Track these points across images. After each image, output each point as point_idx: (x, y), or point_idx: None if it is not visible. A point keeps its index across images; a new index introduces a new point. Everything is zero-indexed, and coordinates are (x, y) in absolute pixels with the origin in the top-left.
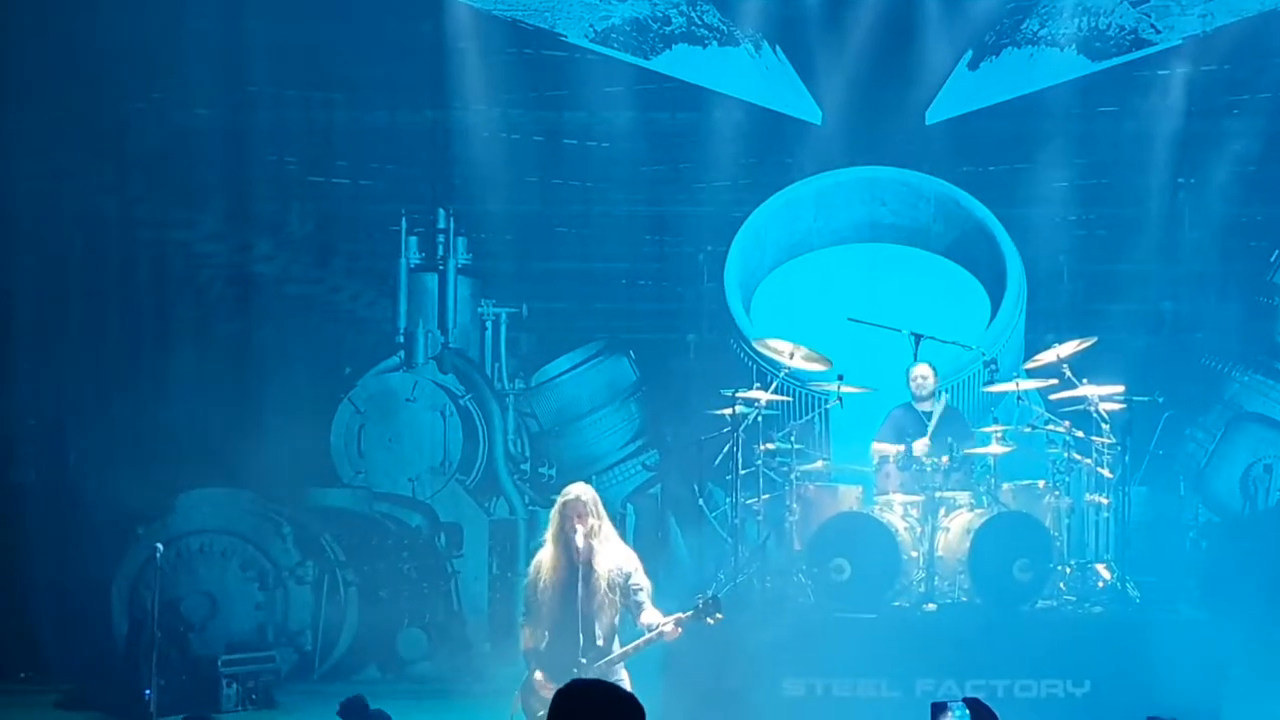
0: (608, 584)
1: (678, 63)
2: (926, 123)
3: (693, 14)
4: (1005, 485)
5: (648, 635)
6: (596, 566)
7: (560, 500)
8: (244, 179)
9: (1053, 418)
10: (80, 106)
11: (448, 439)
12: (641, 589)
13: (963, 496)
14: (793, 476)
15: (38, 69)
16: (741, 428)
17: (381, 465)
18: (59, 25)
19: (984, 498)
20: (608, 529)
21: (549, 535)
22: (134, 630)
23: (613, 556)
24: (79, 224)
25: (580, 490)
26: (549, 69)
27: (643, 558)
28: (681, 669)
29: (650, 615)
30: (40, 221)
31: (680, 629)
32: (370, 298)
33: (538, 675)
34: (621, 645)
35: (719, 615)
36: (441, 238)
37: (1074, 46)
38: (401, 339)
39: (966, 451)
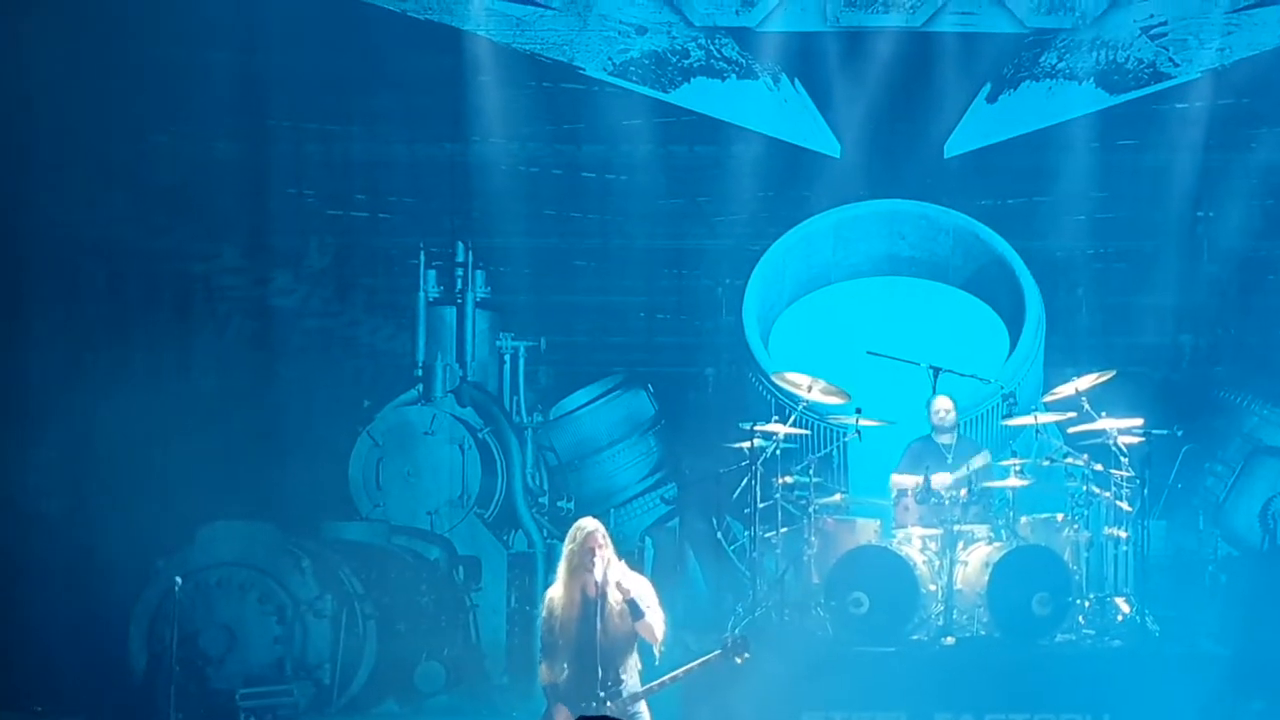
0: (621, 614)
1: (696, 96)
2: (945, 156)
3: (711, 47)
4: (1024, 518)
5: (670, 675)
6: (611, 598)
7: (577, 534)
8: (263, 212)
9: (1071, 451)
10: (100, 139)
11: (466, 472)
12: (636, 597)
13: (981, 530)
14: (811, 510)
15: (59, 101)
16: (760, 461)
17: (400, 498)
18: (80, 58)
19: (1002, 531)
20: (615, 560)
21: (563, 570)
22: (152, 663)
23: (622, 588)
24: (99, 256)
25: (595, 524)
26: (568, 102)
27: (661, 591)
28: (700, 702)
29: (651, 620)
30: (61, 253)
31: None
32: (389, 331)
33: (559, 709)
34: (642, 680)
35: (746, 655)
36: (460, 271)
37: (1092, 80)
38: (420, 372)
39: (985, 485)
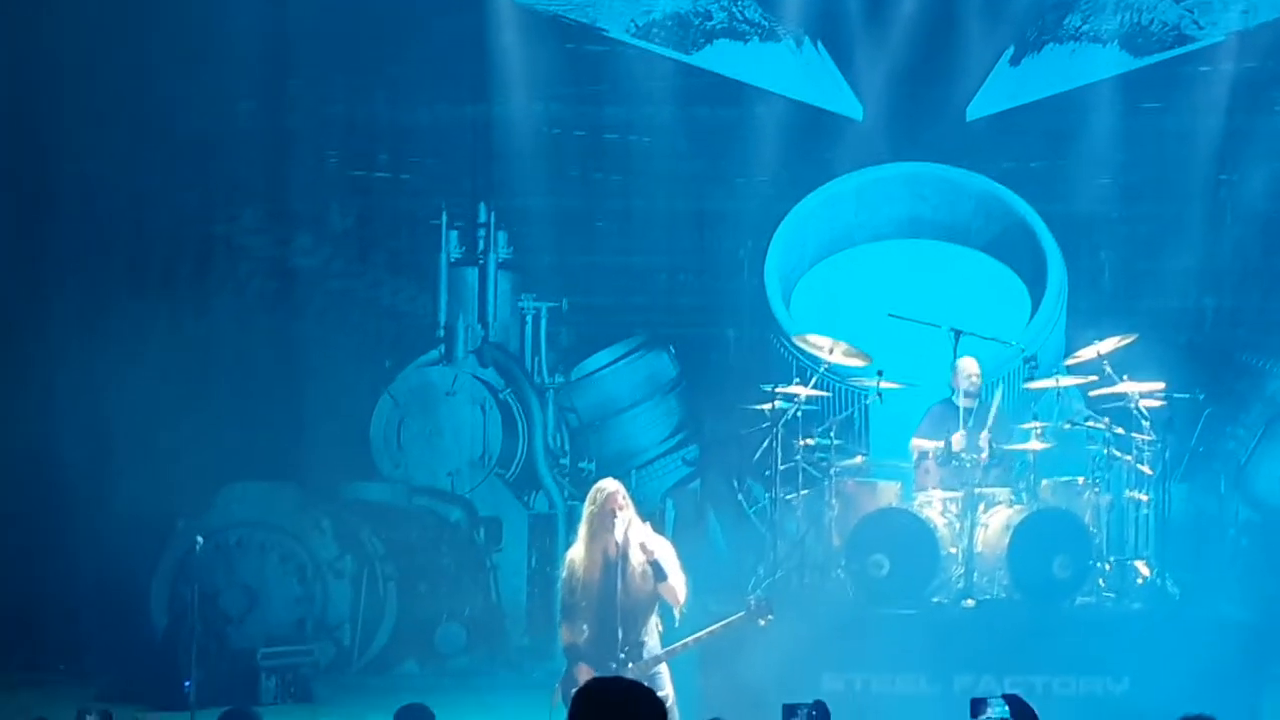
0: (642, 574)
1: (719, 58)
2: (968, 118)
3: (734, 9)
4: (1045, 481)
5: (694, 636)
6: (632, 559)
7: (597, 495)
8: (286, 173)
9: (1093, 414)
10: (123, 100)
11: (487, 433)
12: (660, 559)
13: (1002, 493)
14: (832, 472)
15: (82, 64)
16: (781, 423)
17: (421, 459)
18: (106, 18)
19: (1023, 494)
20: (636, 521)
21: (583, 532)
22: (173, 623)
23: (645, 549)
24: (121, 217)
25: (616, 485)
26: (590, 64)
27: (681, 552)
28: (720, 664)
29: (673, 582)
30: (83, 214)
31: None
32: (411, 292)
33: (580, 667)
34: (662, 642)
35: (770, 616)
36: (482, 232)
37: (1116, 42)
38: (442, 333)
39: (1006, 448)
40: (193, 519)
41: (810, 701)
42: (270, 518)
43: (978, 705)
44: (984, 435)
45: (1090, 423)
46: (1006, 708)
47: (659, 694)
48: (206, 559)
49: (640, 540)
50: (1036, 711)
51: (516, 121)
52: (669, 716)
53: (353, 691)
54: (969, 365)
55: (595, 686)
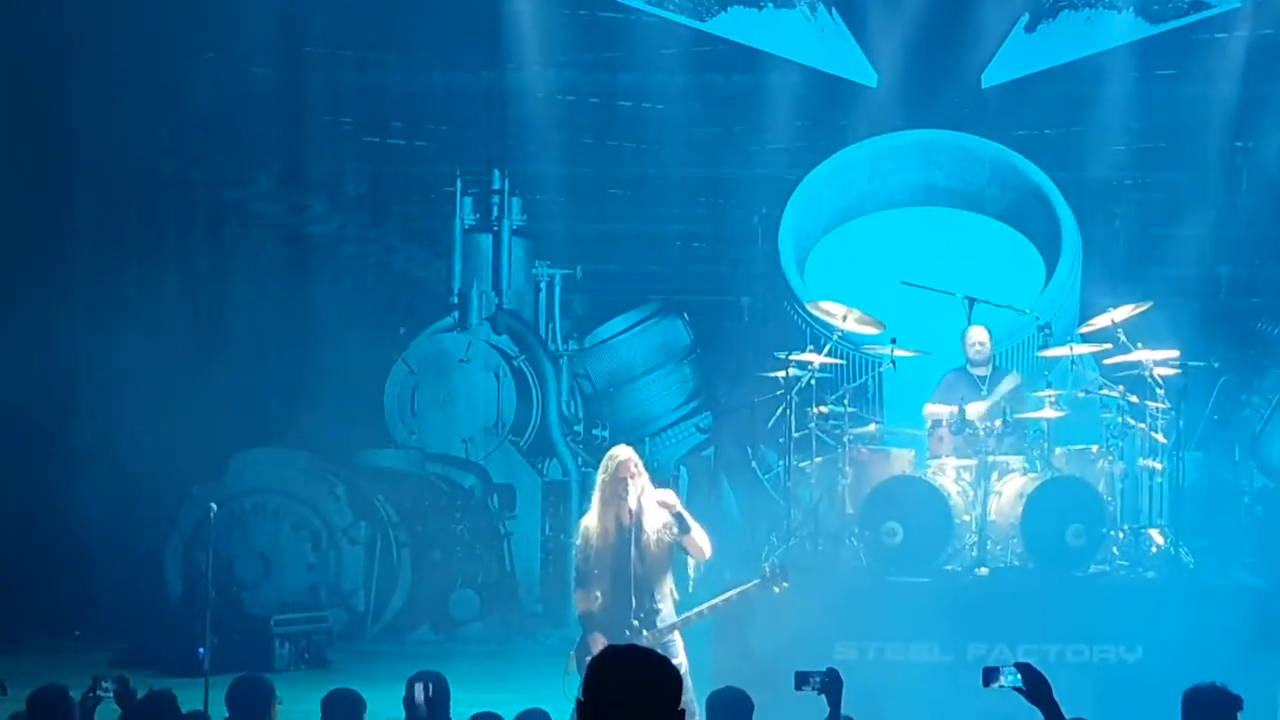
0: (656, 542)
1: (733, 25)
2: (982, 86)
3: None
4: (1058, 450)
5: (709, 604)
6: (646, 526)
7: (610, 463)
8: (299, 139)
9: (1107, 382)
10: (138, 65)
11: (501, 400)
12: (677, 523)
13: (1016, 461)
14: (845, 439)
15: (96, 30)
16: (795, 390)
17: (435, 426)
18: None
19: (1037, 462)
20: (650, 487)
21: (597, 499)
22: (188, 589)
23: (659, 514)
24: (135, 182)
25: (629, 452)
26: (605, 31)
27: (695, 521)
28: (733, 632)
29: (696, 535)
30: (96, 179)
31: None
32: (425, 258)
33: (595, 637)
34: (677, 609)
35: (785, 584)
36: (496, 199)
37: (1131, 9)
38: (455, 300)
39: (1020, 416)
40: (207, 486)
41: (822, 670)
42: (284, 485)
43: (990, 673)
44: (976, 406)
45: (1105, 391)
46: (1019, 676)
47: (674, 661)
48: (221, 526)
49: (660, 498)
50: (1049, 679)
51: (530, 88)
52: (683, 684)
53: (367, 658)
54: (975, 333)
55: (610, 654)
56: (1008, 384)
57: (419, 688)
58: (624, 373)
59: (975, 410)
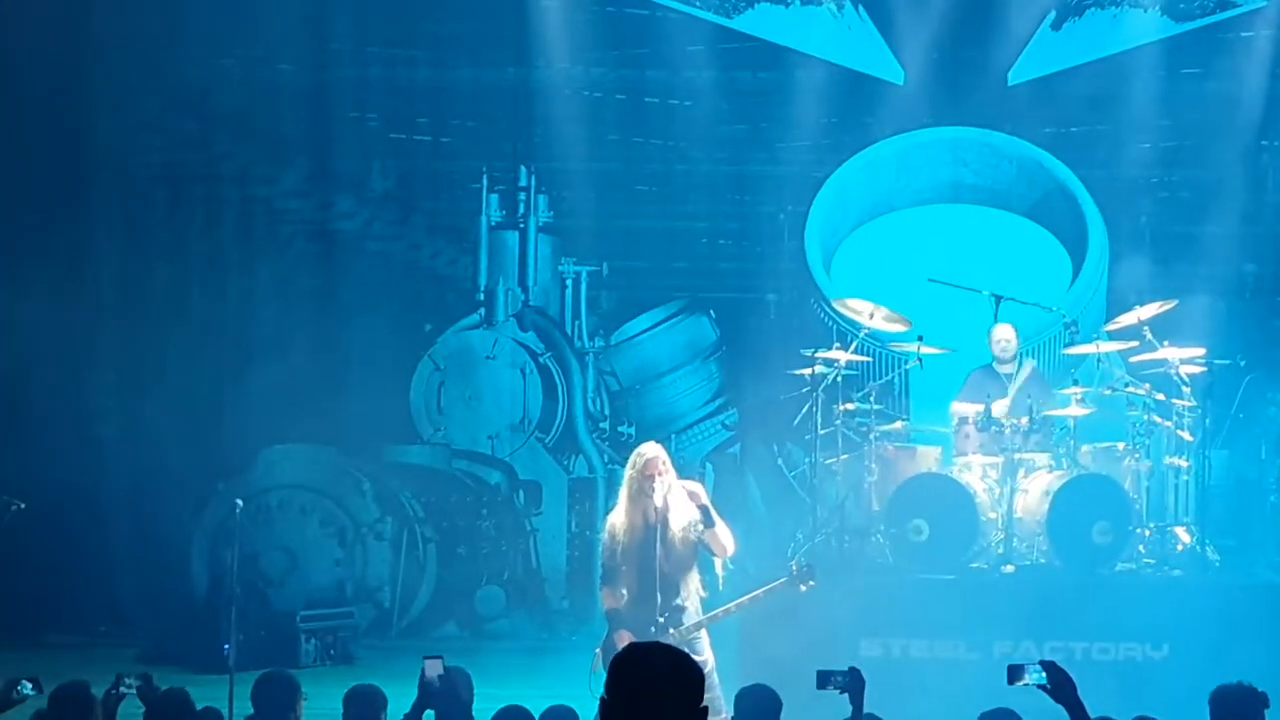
0: (682, 539)
1: (760, 22)
2: (1009, 83)
3: None
4: (1084, 447)
5: (736, 602)
6: (672, 524)
7: (637, 460)
8: (326, 136)
9: (1133, 380)
10: (164, 63)
11: (527, 397)
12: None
13: (1042, 458)
14: (872, 437)
15: (123, 27)
16: (821, 388)
17: (461, 422)
18: None
19: (1063, 460)
20: (677, 485)
21: (624, 496)
22: (214, 585)
23: (686, 512)
24: (162, 179)
25: (656, 449)
26: (631, 27)
27: (725, 519)
28: (759, 629)
29: (721, 531)
30: (124, 177)
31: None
32: (451, 255)
33: (621, 634)
34: (703, 607)
35: (812, 582)
36: (523, 195)
37: (1158, 7)
38: (482, 296)
39: (1046, 413)
40: (233, 481)
41: (844, 669)
42: (311, 480)
43: (1015, 671)
44: (1002, 404)
45: (1130, 388)
46: (1044, 674)
47: (698, 659)
48: (247, 521)
49: (688, 490)
50: (1074, 677)
51: (557, 85)
52: (708, 682)
53: (392, 654)
54: (1000, 331)
55: (635, 651)
56: (1024, 373)
57: (430, 664)
58: (650, 370)
59: (1001, 408)
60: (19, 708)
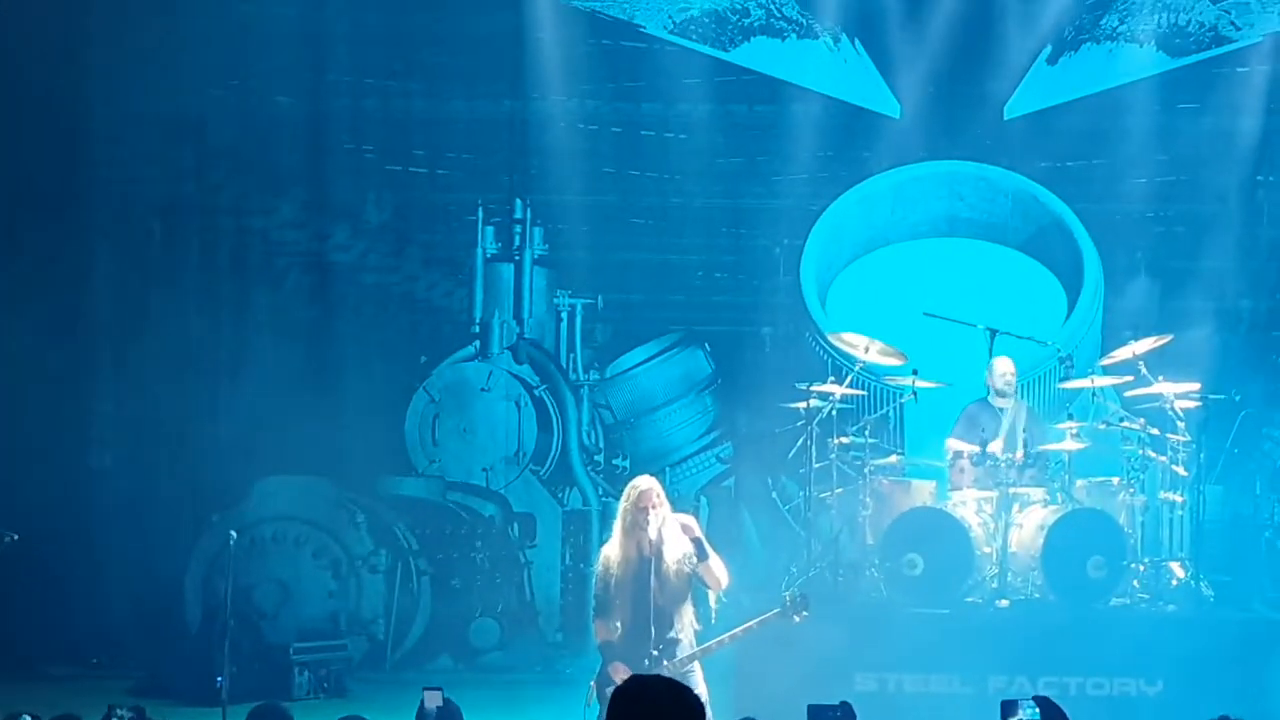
0: (676, 572)
1: (756, 55)
2: (1005, 117)
3: (772, 6)
4: (1079, 482)
5: (730, 634)
6: (666, 556)
7: (631, 493)
8: (322, 167)
9: (1128, 415)
10: (160, 93)
11: (522, 429)
12: (696, 550)
13: (1037, 493)
14: (866, 471)
15: (118, 58)
16: (816, 421)
17: (456, 455)
18: (142, 12)
19: (1058, 494)
20: (671, 517)
21: (618, 529)
22: (207, 617)
23: (679, 544)
24: (158, 210)
25: (651, 482)
26: (627, 60)
27: (716, 551)
28: (753, 662)
29: (714, 564)
30: (120, 207)
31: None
32: (446, 287)
33: (615, 667)
34: (697, 640)
35: (805, 613)
36: (518, 228)
37: (1153, 42)
38: (477, 329)
39: (1041, 448)
40: (227, 513)
41: (837, 704)
42: (305, 512)
43: (1008, 707)
44: (997, 444)
45: (1125, 423)
46: (1037, 710)
47: None
48: (241, 553)
49: (681, 523)
50: (1067, 714)
51: (553, 117)
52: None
53: (386, 687)
54: (1002, 365)
55: (635, 684)
56: (1019, 415)
57: (429, 695)
58: (645, 403)
59: (996, 446)
60: None
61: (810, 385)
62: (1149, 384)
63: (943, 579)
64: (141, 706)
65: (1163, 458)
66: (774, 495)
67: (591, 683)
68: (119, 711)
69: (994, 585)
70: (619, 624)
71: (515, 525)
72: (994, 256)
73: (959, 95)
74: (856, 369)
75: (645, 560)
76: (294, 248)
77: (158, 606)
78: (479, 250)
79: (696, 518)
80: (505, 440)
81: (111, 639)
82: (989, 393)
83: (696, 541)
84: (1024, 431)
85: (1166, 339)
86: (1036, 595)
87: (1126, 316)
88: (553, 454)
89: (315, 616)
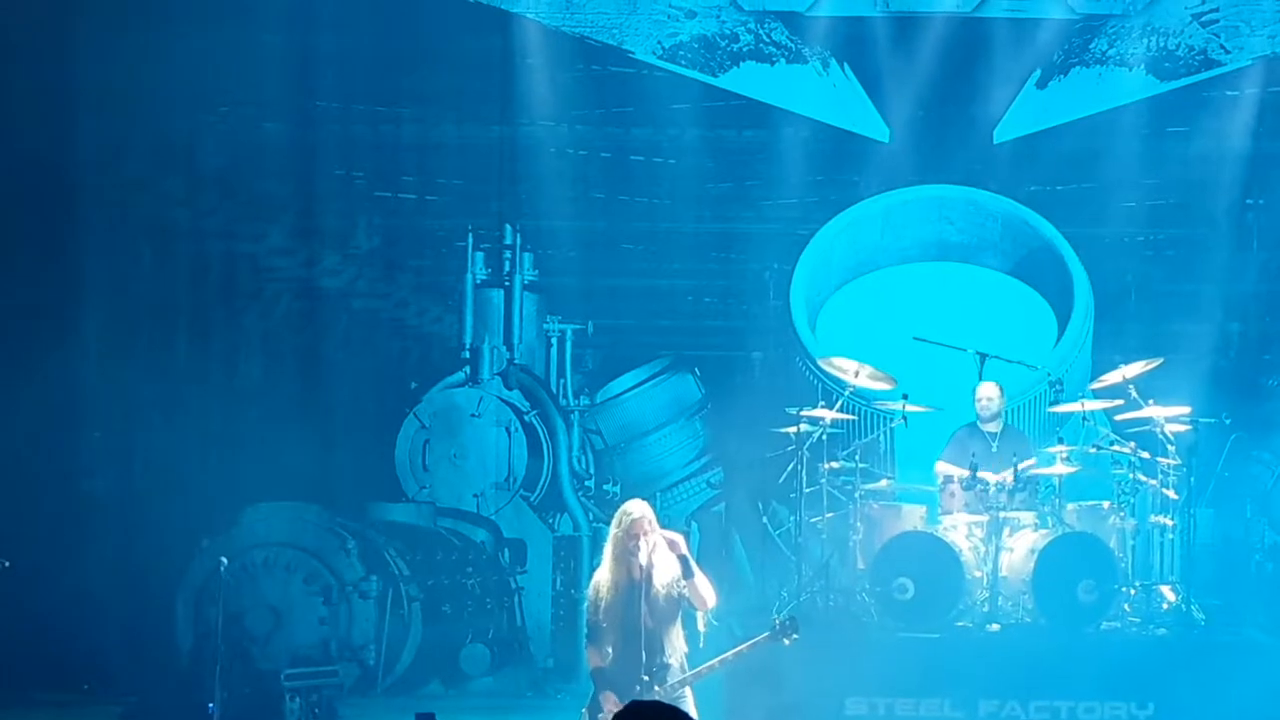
0: (666, 597)
1: (745, 80)
2: (994, 141)
3: (761, 32)
4: (1070, 506)
5: (720, 658)
6: (656, 581)
7: (622, 519)
8: (311, 193)
9: (1118, 438)
10: (150, 119)
11: (512, 455)
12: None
13: (1027, 517)
14: (857, 495)
15: (108, 83)
16: (806, 446)
17: (446, 480)
18: (130, 38)
19: (1048, 518)
20: (661, 541)
21: (609, 554)
22: (198, 643)
23: (669, 568)
24: (148, 236)
25: (642, 508)
26: (616, 85)
27: (705, 572)
28: (745, 687)
29: (699, 583)
30: (110, 233)
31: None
32: (436, 313)
33: (606, 695)
34: (687, 664)
35: (795, 636)
36: (508, 253)
37: (1143, 66)
38: (467, 354)
39: (1032, 472)
40: (217, 539)
41: None
42: (295, 538)
43: None
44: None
45: (1116, 447)
46: None
47: None
48: (231, 579)
49: (668, 539)
50: None
51: (542, 143)
52: None
53: (377, 713)
54: (984, 389)
55: (634, 710)
56: (1025, 464)
57: None
58: (635, 428)
59: (988, 476)
60: None
61: (800, 410)
62: (1139, 408)
63: (933, 603)
64: None
65: (1153, 481)
66: (765, 520)
67: (583, 710)
68: None
69: (985, 609)
70: (610, 649)
71: (506, 551)
72: (983, 281)
73: (948, 119)
74: (846, 393)
75: (636, 586)
76: (284, 273)
77: (148, 632)
78: (469, 276)
79: (686, 539)
80: (496, 466)
81: (102, 665)
82: (979, 417)
83: (683, 559)
84: (1014, 455)
85: (1157, 362)
86: (1027, 619)
87: (1116, 340)
88: (543, 479)
89: (306, 643)
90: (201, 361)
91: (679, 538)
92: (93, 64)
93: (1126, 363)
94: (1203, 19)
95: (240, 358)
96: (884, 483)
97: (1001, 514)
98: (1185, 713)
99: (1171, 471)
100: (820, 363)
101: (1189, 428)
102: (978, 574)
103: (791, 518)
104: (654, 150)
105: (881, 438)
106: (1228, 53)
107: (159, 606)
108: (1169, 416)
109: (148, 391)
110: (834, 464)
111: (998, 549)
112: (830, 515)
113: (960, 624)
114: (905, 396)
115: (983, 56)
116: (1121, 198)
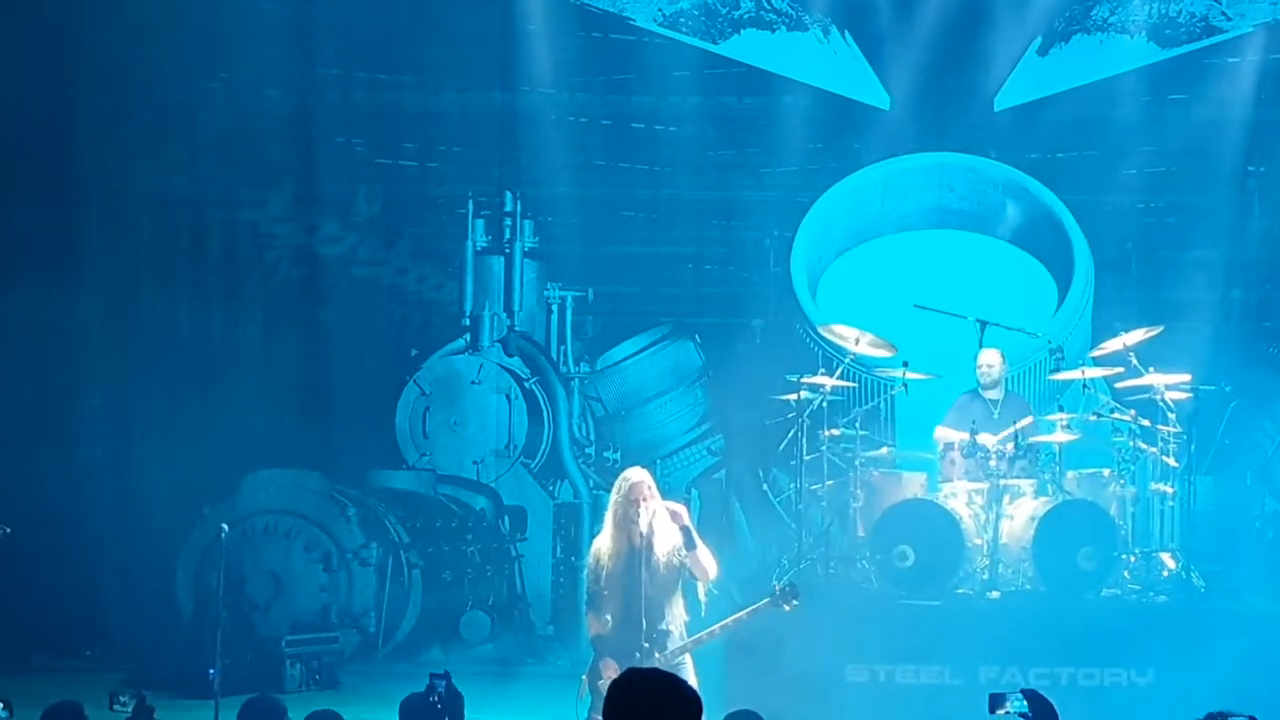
0: (666, 564)
1: (746, 47)
2: (995, 109)
3: None
4: (1070, 473)
5: (720, 624)
6: (657, 548)
7: (622, 485)
8: (312, 160)
9: (1118, 406)
10: (150, 88)
11: (513, 422)
12: (684, 538)
13: (1027, 484)
14: (857, 462)
15: (109, 50)
16: (806, 413)
17: (446, 448)
18: (130, 6)
19: (1049, 486)
20: (661, 509)
21: (609, 521)
22: (199, 609)
23: (670, 536)
24: (148, 204)
25: (642, 475)
26: (617, 52)
27: (707, 543)
28: (745, 655)
29: (702, 554)
30: (110, 201)
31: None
32: (437, 280)
33: (606, 661)
34: (687, 631)
35: (795, 602)
36: (508, 221)
37: (1144, 33)
38: (467, 321)
39: (1032, 439)
40: (218, 506)
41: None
42: (296, 505)
43: (996, 700)
44: (989, 437)
45: (1116, 415)
46: (1025, 703)
47: None
48: (232, 546)
49: (671, 510)
50: (1055, 706)
51: (543, 110)
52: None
53: (377, 679)
54: (985, 356)
55: (632, 677)
56: (1022, 423)
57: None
58: (635, 395)
59: (987, 437)
60: None
61: (801, 377)
62: (1139, 375)
63: (934, 570)
64: (142, 693)
65: (1153, 449)
66: (765, 487)
67: (583, 676)
68: (120, 698)
69: (985, 576)
70: (609, 616)
71: (506, 518)
72: (984, 248)
73: (949, 87)
74: (847, 361)
75: (636, 553)
76: (284, 241)
77: (150, 599)
78: (469, 243)
79: (688, 509)
80: (496, 433)
81: (103, 631)
82: (980, 384)
83: (685, 530)
84: (1015, 423)
85: (1157, 330)
86: (1027, 586)
87: (1117, 307)
88: (543, 447)
89: (307, 609)
90: (202, 327)
91: (682, 509)
92: (93, 31)
93: (1127, 330)
94: None
95: (240, 325)
96: (884, 450)
97: (1002, 481)
98: (1185, 679)
99: (1172, 439)
100: (821, 330)
101: (1189, 395)
102: (978, 541)
103: (792, 485)
104: (655, 117)
105: (882, 405)
106: (1229, 19)
107: (160, 573)
108: (1169, 384)
109: (149, 357)
110: (834, 431)
111: (998, 516)
112: (830, 482)
113: (960, 591)
114: (906, 364)
115: (984, 23)
116: (1122, 165)
